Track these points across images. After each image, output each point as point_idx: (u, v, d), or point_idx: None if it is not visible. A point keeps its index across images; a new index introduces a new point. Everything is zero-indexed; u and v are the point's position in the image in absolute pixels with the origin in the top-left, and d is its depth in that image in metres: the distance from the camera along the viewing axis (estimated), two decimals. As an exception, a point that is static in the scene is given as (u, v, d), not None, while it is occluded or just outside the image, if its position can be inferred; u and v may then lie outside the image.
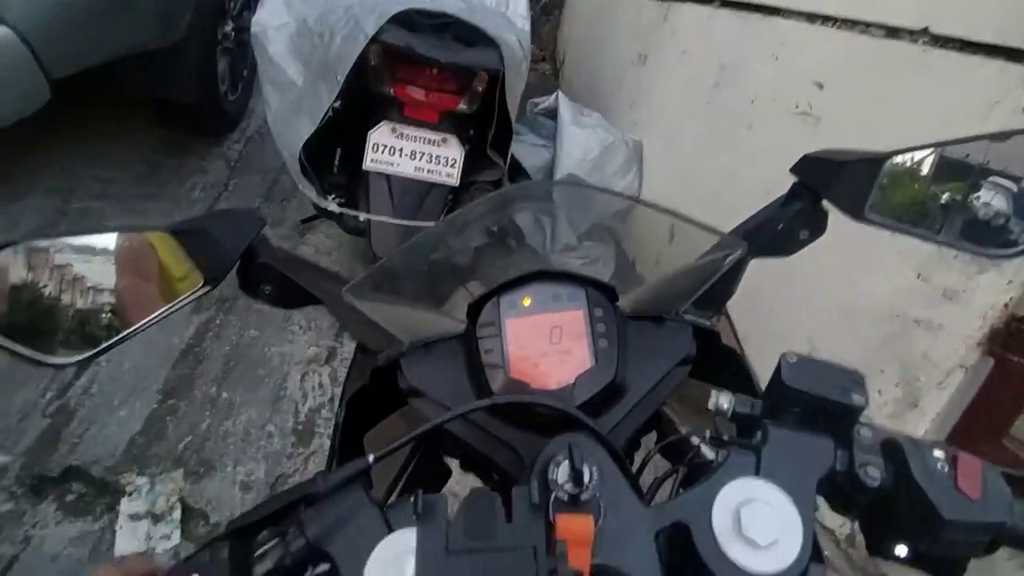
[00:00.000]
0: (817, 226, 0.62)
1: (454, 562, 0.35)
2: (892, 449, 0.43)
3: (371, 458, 0.43)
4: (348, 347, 2.18)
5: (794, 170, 0.61)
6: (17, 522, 1.47)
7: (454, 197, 2.05)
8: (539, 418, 0.47)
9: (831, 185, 0.59)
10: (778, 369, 0.44)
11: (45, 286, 0.55)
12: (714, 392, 0.46)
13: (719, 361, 0.58)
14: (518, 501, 0.37)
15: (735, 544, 0.38)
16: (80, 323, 0.55)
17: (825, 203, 0.61)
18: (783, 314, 1.75)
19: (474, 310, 0.54)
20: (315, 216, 2.40)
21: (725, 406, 0.45)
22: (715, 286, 0.56)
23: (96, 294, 0.55)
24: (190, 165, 2.88)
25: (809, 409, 0.43)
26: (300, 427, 1.87)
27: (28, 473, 1.56)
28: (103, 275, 0.54)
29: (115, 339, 0.55)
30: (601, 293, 0.54)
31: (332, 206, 1.93)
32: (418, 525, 0.37)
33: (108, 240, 0.53)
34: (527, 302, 0.53)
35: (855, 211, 0.58)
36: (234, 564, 0.39)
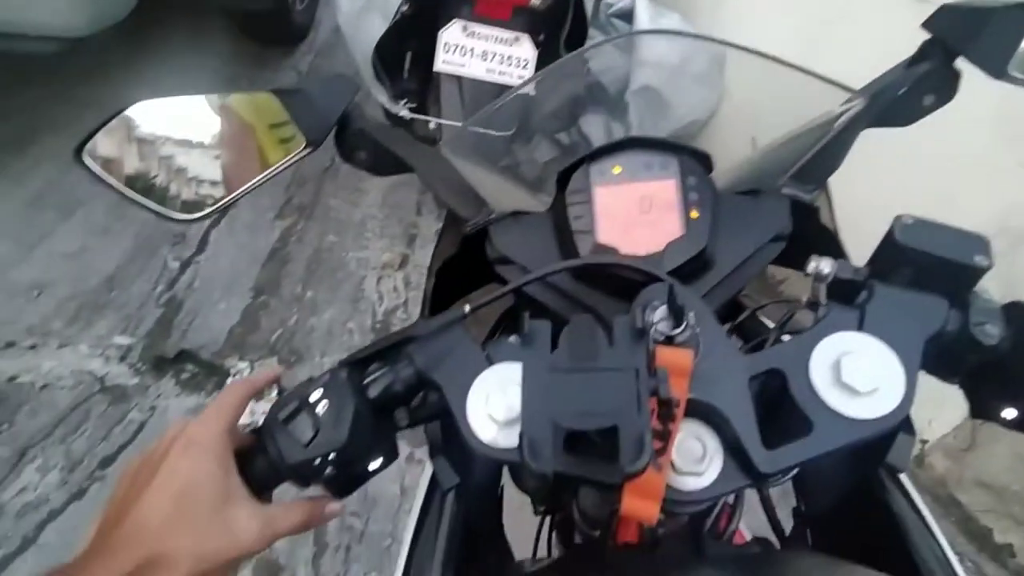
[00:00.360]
0: (945, 90, 0.56)
1: (558, 379, 0.36)
2: (1015, 311, 0.42)
3: (467, 308, 0.47)
4: (420, 254, 2.27)
5: (927, 24, 0.56)
6: (143, 393, 1.69)
7: (528, 105, 2.02)
8: (625, 284, 0.47)
9: (971, 38, 0.52)
10: (890, 232, 0.43)
11: (167, 145, 0.61)
12: (815, 256, 0.44)
13: (812, 242, 0.54)
14: (620, 329, 0.38)
15: (832, 391, 0.38)
16: (198, 182, 0.61)
17: (958, 63, 0.55)
18: (866, 226, 1.66)
19: (563, 178, 0.54)
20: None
21: (826, 271, 0.43)
22: (821, 154, 0.53)
23: (210, 154, 0.61)
24: (264, 77, 2.95)
25: (923, 270, 0.42)
26: (378, 326, 2.00)
27: (149, 354, 1.77)
28: (215, 136, 0.59)
29: (229, 197, 0.60)
30: (695, 161, 0.52)
31: (403, 111, 1.95)
32: (523, 346, 0.39)
33: (218, 102, 0.58)
34: (617, 170, 0.52)
35: (996, 68, 0.52)
36: (351, 386, 0.45)
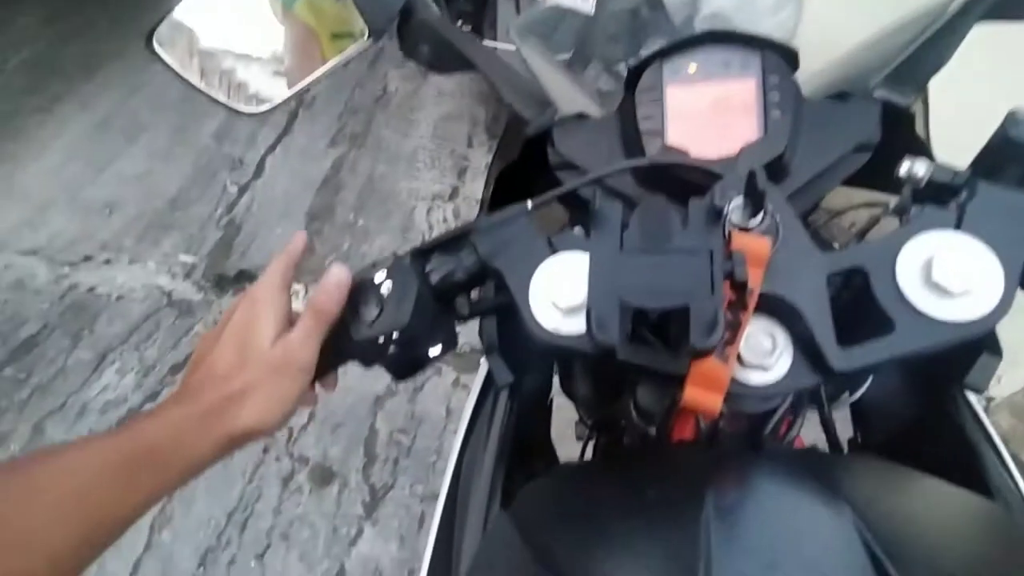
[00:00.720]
0: None
1: (628, 259, 0.35)
2: None
3: (529, 203, 0.46)
4: (470, 186, 2.26)
5: None
6: (207, 308, 1.78)
7: (587, 27, 1.93)
8: (693, 190, 0.44)
9: None
10: (1001, 128, 0.39)
11: (233, 38, 0.61)
12: (908, 157, 0.41)
13: (902, 156, 0.51)
14: (695, 211, 0.36)
15: (920, 291, 0.36)
16: (264, 75, 0.62)
17: None
18: (962, 139, 1.55)
19: (634, 76, 0.51)
20: (440, 53, 2.38)
21: (920, 172, 0.40)
22: (923, 49, 0.48)
23: (275, 45, 0.61)
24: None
25: None
26: (428, 254, 2.02)
27: (211, 272, 1.86)
28: (279, 27, 0.59)
29: (293, 90, 0.61)
30: (779, 58, 0.48)
31: (459, 35, 1.90)
32: (593, 227, 0.38)
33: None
34: (693, 69, 0.49)
35: None
36: (414, 271, 0.45)
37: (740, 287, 0.33)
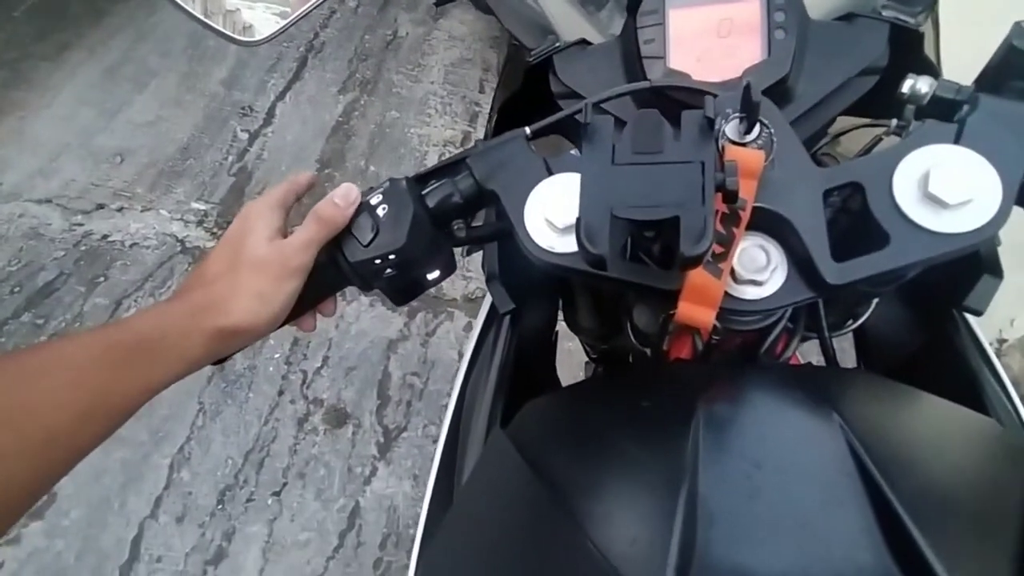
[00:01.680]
0: None
1: (620, 171, 0.35)
2: None
3: (527, 130, 0.45)
4: (481, 132, 2.22)
5: None
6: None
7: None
8: None
9: None
10: (1007, 40, 0.37)
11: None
12: (911, 75, 0.40)
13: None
14: (688, 122, 0.36)
15: (916, 204, 0.35)
16: (255, 7, 0.60)
17: None
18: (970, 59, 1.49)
19: (635, 0, 0.49)
20: (449, -2, 2.31)
21: (924, 89, 0.39)
22: None
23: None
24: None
25: None
26: (438, 202, 2.01)
27: (223, 219, 1.87)
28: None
29: (289, 20, 0.59)
30: None
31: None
32: (584, 141, 0.37)
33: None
34: None
35: None
36: (411, 194, 0.45)
37: (731, 197, 0.33)
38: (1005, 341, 1.54)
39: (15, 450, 0.32)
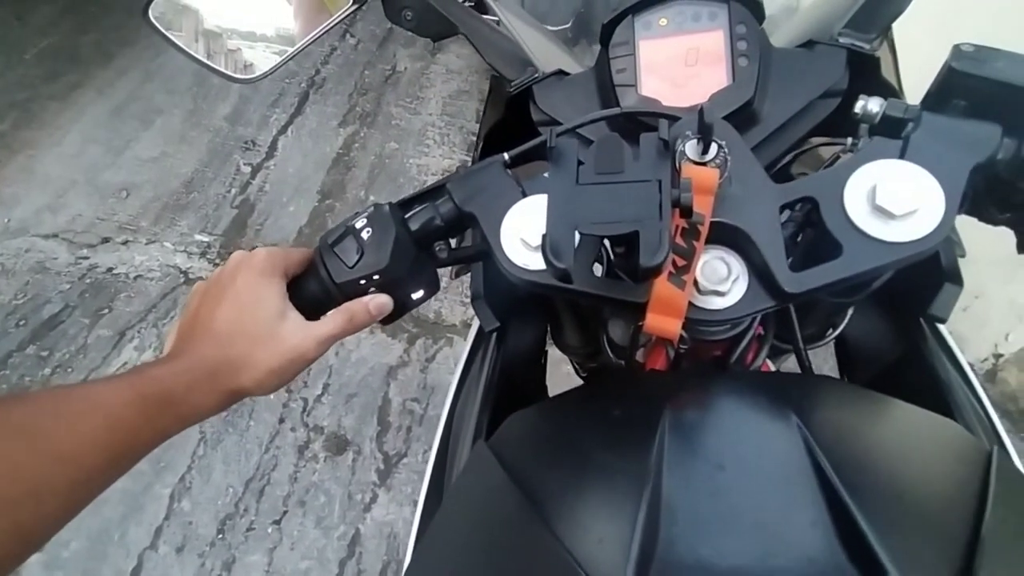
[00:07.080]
0: None
1: (584, 191, 0.37)
2: None
3: (506, 155, 0.48)
4: (479, 162, 2.27)
5: None
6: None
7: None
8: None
9: None
10: (947, 62, 0.40)
11: (226, 8, 0.63)
12: (863, 96, 0.43)
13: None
14: (646, 144, 0.38)
15: (866, 217, 0.37)
16: (255, 44, 0.64)
17: None
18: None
19: (607, 31, 0.52)
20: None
21: (875, 109, 0.42)
22: None
23: (265, 14, 0.63)
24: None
25: (979, 101, 0.39)
26: (437, 230, 2.04)
27: (226, 250, 1.90)
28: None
29: (283, 59, 0.63)
30: (746, 8, 0.50)
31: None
32: (551, 163, 0.39)
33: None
34: (664, 22, 0.51)
35: None
36: (394, 218, 0.48)
37: (687, 211, 0.35)
38: (1001, 356, 1.54)
39: (52, 488, 0.35)
